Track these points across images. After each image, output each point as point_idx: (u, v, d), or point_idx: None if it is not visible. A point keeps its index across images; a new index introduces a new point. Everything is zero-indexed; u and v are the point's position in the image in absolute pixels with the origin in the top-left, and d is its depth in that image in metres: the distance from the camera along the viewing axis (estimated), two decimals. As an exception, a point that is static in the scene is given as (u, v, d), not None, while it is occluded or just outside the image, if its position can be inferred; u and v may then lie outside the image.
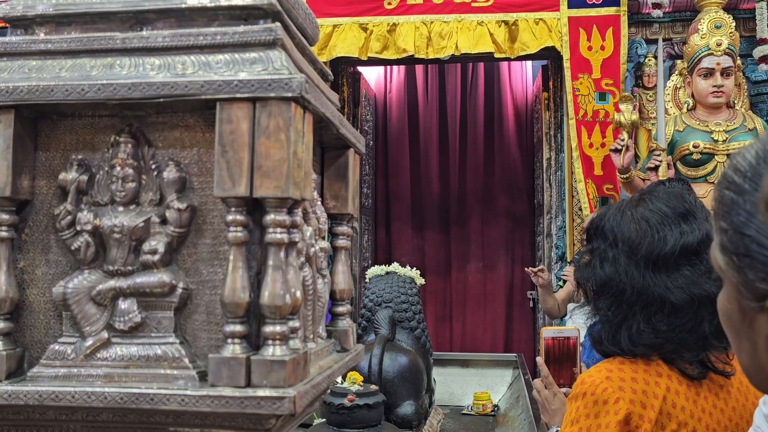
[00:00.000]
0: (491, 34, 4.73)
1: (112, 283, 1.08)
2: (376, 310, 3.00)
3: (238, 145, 1.01)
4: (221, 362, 1.00)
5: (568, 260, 4.86)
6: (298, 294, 1.06)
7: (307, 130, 1.08)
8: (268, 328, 1.02)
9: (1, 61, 1.13)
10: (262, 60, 1.06)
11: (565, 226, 5.09)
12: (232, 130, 1.02)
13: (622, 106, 4.30)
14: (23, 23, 1.16)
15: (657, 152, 4.12)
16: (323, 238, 1.34)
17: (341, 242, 1.42)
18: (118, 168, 1.09)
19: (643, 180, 4.22)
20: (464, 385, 3.53)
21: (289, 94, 1.00)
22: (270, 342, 1.01)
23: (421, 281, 3.21)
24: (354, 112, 5.59)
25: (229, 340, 1.02)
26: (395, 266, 3.20)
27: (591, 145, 4.69)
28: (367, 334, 2.97)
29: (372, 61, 5.08)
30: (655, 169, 4.14)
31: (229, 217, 1.03)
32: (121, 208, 1.10)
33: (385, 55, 4.82)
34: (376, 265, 3.28)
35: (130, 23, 1.14)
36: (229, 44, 1.08)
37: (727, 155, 4.31)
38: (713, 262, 0.81)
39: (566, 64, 4.68)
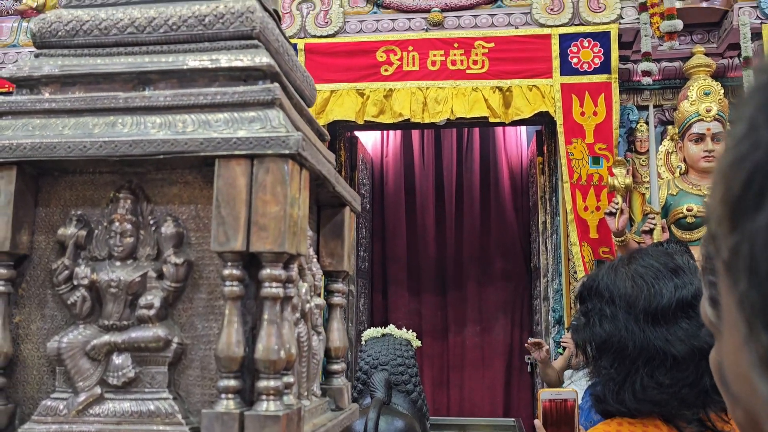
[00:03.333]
0: (486, 100, 4.82)
1: (107, 338, 1.08)
2: (372, 373, 2.97)
3: (236, 200, 1.03)
4: (214, 418, 1.00)
5: (566, 325, 4.84)
6: (293, 349, 1.07)
7: (303, 187, 1.10)
8: (262, 383, 1.01)
9: (6, 119, 1.16)
10: (261, 119, 1.09)
11: (561, 289, 5.08)
12: (229, 186, 1.04)
13: (615, 171, 4.35)
14: (29, 83, 1.19)
15: (651, 215, 4.15)
16: (318, 295, 1.34)
17: (337, 299, 1.42)
18: (117, 223, 1.11)
19: (639, 243, 4.24)
20: (461, 450, 3.47)
21: (286, 151, 1.03)
22: (264, 397, 1.01)
23: (417, 343, 3.19)
24: (351, 176, 5.65)
25: (223, 395, 1.01)
26: (391, 328, 3.18)
27: (586, 209, 4.72)
28: (363, 397, 2.94)
29: (369, 126, 5.16)
30: (650, 232, 4.16)
31: (225, 272, 1.04)
32: (118, 263, 1.11)
33: (382, 119, 4.90)
34: (372, 328, 3.26)
35: (133, 83, 1.17)
36: (229, 104, 1.11)
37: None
38: (703, 317, 0.82)
39: (560, 129, 4.76)
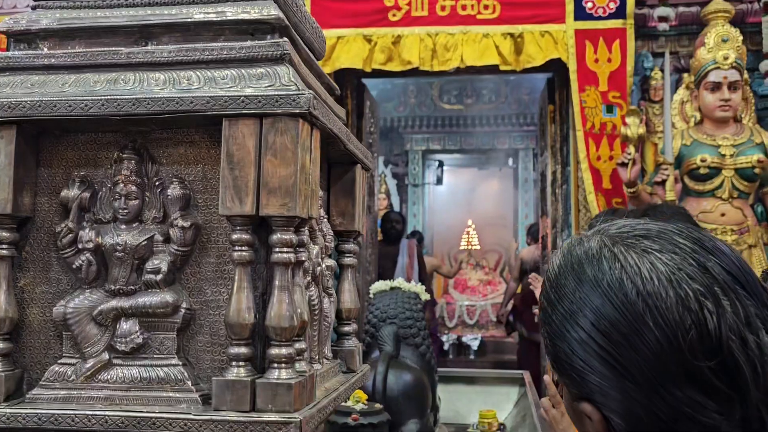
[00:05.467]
0: (497, 47, 4.72)
1: (113, 303, 1.06)
2: (380, 327, 2.97)
3: (244, 162, 1.00)
4: (225, 385, 0.98)
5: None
6: (305, 315, 1.05)
7: (314, 147, 1.07)
8: (274, 351, 1.00)
9: (4, 75, 1.12)
10: (269, 75, 1.05)
11: (571, 241, 5.06)
12: (238, 147, 1.00)
13: (629, 120, 4.29)
14: (27, 38, 1.15)
15: (664, 166, 4.10)
16: (329, 256, 1.32)
17: (348, 260, 1.40)
18: (121, 185, 1.08)
19: (650, 194, 4.20)
20: (469, 403, 3.49)
21: (297, 111, 0.99)
22: (275, 365, 0.99)
23: (426, 297, 3.18)
24: (358, 125, 5.58)
25: (234, 363, 1.00)
26: (400, 281, 3.17)
27: (599, 158, 4.66)
28: (372, 350, 2.94)
29: (376, 73, 5.07)
30: (662, 183, 4.12)
31: (234, 236, 1.01)
32: (123, 226, 1.08)
33: (390, 67, 4.81)
34: (380, 281, 3.25)
35: (135, 38, 1.13)
36: (236, 59, 1.07)
37: (735, 170, 4.28)
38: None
39: (573, 76, 4.67)
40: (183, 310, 1.06)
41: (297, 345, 1.04)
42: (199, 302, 1.07)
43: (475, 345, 7.84)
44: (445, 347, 7.69)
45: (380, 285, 3.18)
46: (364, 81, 5.63)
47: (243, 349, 1.00)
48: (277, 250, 1.00)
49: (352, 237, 1.41)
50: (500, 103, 8.65)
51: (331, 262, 1.30)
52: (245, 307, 1.00)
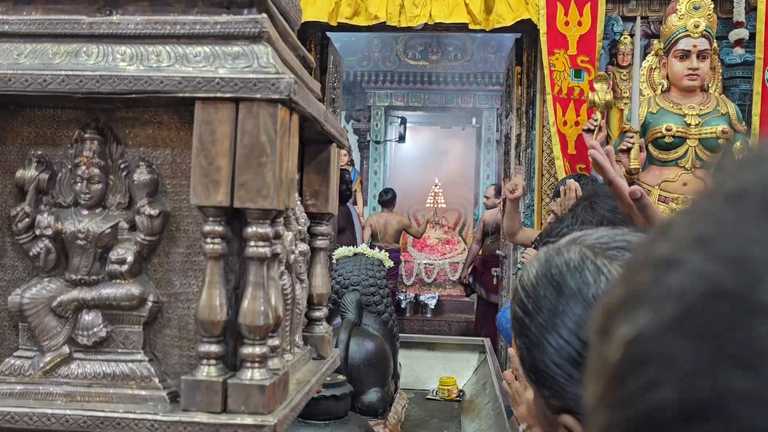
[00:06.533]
0: (466, 5, 4.64)
1: (74, 293, 1.00)
2: (342, 293, 2.95)
3: (218, 149, 0.94)
4: (195, 385, 0.94)
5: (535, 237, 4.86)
6: (280, 310, 1.00)
7: (293, 133, 1.01)
8: (247, 350, 0.95)
9: (-49, 42, 1.03)
10: (246, 55, 0.98)
11: (533, 205, 5.08)
12: (211, 133, 0.94)
13: (597, 86, 4.28)
14: (-24, 0, 1.05)
15: (630, 134, 4.11)
16: (302, 240, 1.27)
17: (320, 243, 1.35)
18: (83, 167, 1.01)
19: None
20: (429, 369, 3.52)
21: (277, 96, 0.93)
22: (248, 364, 0.95)
23: (389, 264, 3.17)
24: (321, 79, 5.47)
25: (204, 361, 0.95)
26: (363, 248, 3.15)
27: (565, 123, 4.66)
28: (333, 317, 2.93)
29: (342, 27, 4.95)
30: (627, 151, 4.14)
31: (206, 228, 0.95)
32: (85, 212, 1.02)
33: (356, 21, 4.70)
34: (342, 246, 3.22)
35: (98, 5, 1.04)
36: (210, 35, 1.00)
37: (699, 140, 4.32)
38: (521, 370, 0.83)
39: (543, 38, 4.62)
40: (150, 303, 1.00)
41: (271, 341, 1.00)
42: (167, 294, 1.02)
43: (432, 303, 7.92)
44: (403, 305, 7.75)
45: (343, 251, 3.16)
46: (329, 35, 5.50)
47: (214, 347, 0.96)
48: (253, 244, 0.95)
49: (325, 219, 1.36)
50: (466, 61, 8.59)
51: (304, 247, 1.26)
52: (217, 303, 0.95)
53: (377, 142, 9.20)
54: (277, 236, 1.01)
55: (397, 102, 9.12)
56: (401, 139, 9.39)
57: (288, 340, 1.18)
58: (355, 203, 7.55)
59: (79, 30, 1.01)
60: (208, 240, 0.95)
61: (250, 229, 0.95)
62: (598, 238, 0.78)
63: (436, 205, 9.13)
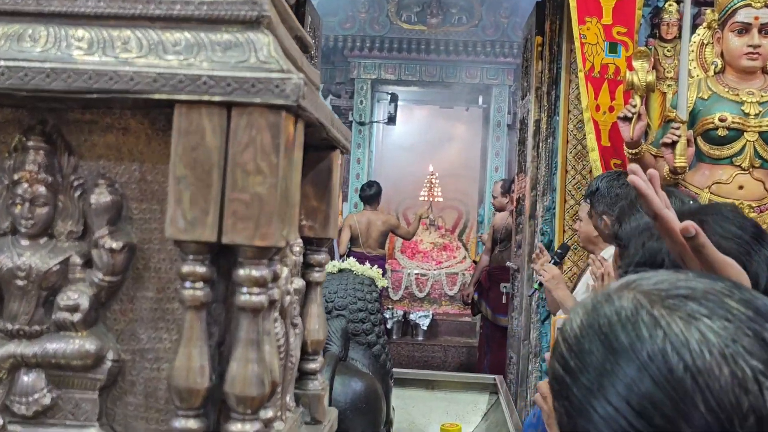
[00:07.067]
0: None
1: (10, 347, 0.96)
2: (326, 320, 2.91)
3: (204, 167, 0.89)
4: (168, 472, 0.89)
5: (556, 249, 4.84)
6: (276, 373, 0.96)
7: (298, 145, 0.97)
8: (235, 426, 0.91)
9: None
10: (241, 45, 0.93)
11: (554, 208, 5.06)
12: (195, 146, 0.89)
13: (635, 64, 4.26)
14: None
15: (675, 125, 4.10)
16: (297, 274, 1.23)
17: (317, 276, 1.31)
18: (25, 184, 0.96)
19: (655, 157, 4.20)
20: (428, 412, 3.49)
21: (281, 102, 0.88)
22: (237, 445, 0.91)
23: (384, 283, 3.12)
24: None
25: (180, 441, 0.91)
26: (351, 262, 3.09)
27: (597, 108, 4.64)
28: (313, 348, 2.89)
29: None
30: (672, 145, 4.12)
31: (185, 268, 0.91)
32: (26, 242, 0.97)
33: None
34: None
35: (46, -26, 0.99)
36: (194, 18, 0.95)
37: (759, 133, 4.32)
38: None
39: (572, 3, 4.60)
40: (108, 362, 0.96)
41: (264, 414, 0.96)
42: (131, 351, 0.98)
43: (424, 324, 7.88)
44: (389, 325, 7.70)
45: (327, 266, 3.11)
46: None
47: (192, 422, 0.91)
48: (245, 290, 0.91)
49: (324, 245, 1.31)
50: (472, 26, 8.56)
51: (300, 283, 1.22)
52: (197, 365, 0.90)
53: (361, 124, 9.15)
54: (275, 278, 0.96)
55: (386, 74, 9.08)
56: (391, 120, 9.33)
57: (279, 404, 1.14)
58: None
59: (23, 7, 0.96)
60: (187, 284, 0.91)
61: (243, 272, 0.91)
62: (657, 284, 0.78)
63: (431, 198, 9.09)
